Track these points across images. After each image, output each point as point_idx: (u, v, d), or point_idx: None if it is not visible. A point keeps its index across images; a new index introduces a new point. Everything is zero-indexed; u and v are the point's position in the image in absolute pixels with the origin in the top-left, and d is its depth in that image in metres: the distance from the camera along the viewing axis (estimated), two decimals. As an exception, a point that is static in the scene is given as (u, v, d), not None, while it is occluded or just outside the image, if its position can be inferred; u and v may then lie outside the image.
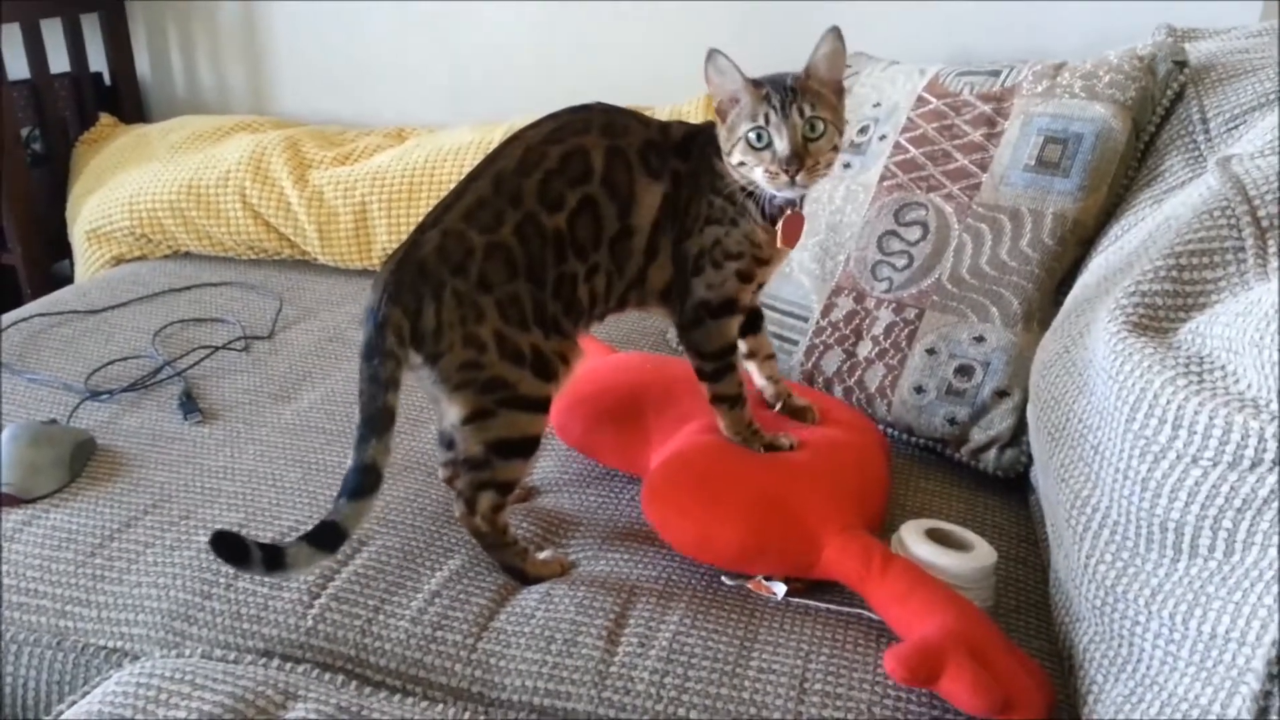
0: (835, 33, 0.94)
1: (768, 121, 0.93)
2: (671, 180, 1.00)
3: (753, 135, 0.93)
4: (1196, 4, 1.60)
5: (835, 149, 0.96)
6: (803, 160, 0.93)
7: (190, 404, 1.35)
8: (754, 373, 1.14)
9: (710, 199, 0.99)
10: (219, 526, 1.05)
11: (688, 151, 1.01)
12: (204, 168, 1.93)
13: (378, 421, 0.90)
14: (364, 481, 0.89)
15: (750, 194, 0.98)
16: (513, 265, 0.94)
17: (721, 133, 0.97)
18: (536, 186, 0.95)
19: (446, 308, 0.92)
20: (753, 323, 1.11)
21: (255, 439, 1.27)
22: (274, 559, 0.86)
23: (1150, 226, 1.00)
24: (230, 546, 0.85)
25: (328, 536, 0.88)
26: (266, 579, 0.99)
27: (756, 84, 0.94)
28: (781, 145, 0.92)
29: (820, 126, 0.94)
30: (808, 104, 0.93)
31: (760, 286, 1.07)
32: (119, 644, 0.97)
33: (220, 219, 1.90)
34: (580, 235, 0.97)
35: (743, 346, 1.10)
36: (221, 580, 1.00)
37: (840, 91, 0.97)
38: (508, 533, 1.01)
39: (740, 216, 0.99)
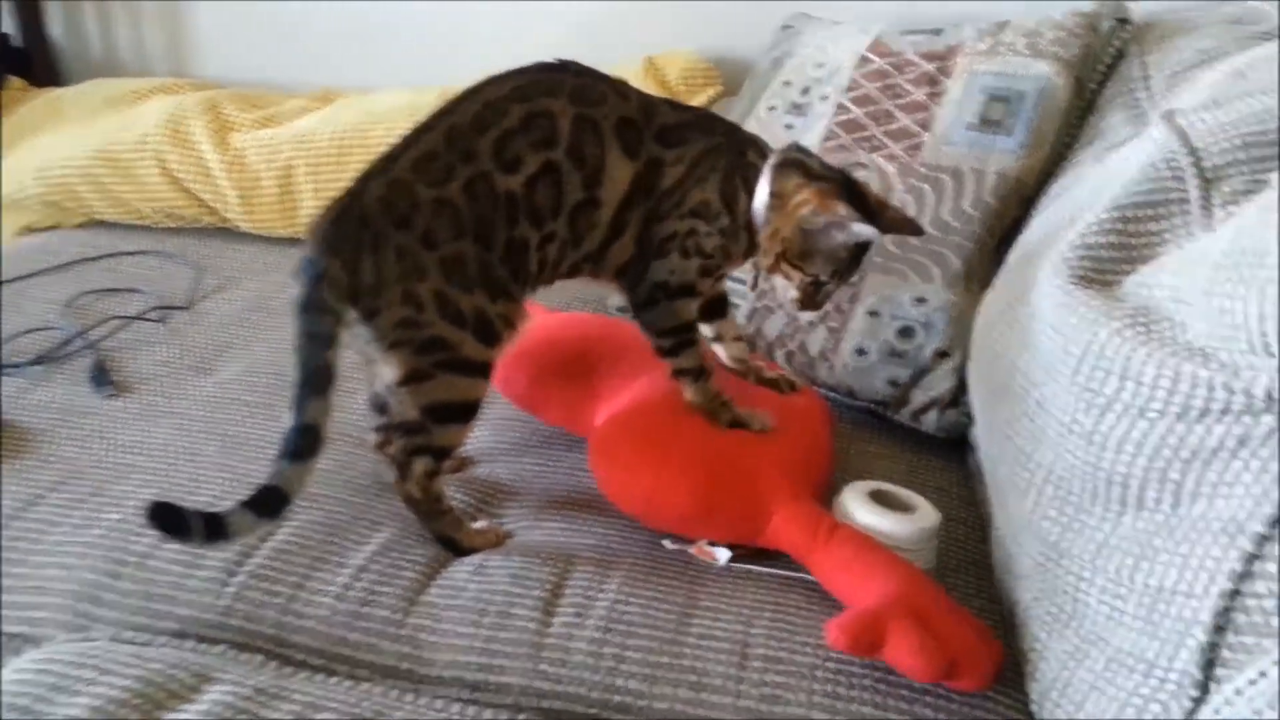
0: None
1: (831, 279, 0.96)
2: (646, 164, 0.95)
3: (821, 276, 0.95)
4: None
5: None
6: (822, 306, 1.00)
7: (103, 377, 1.28)
8: (721, 356, 1.10)
9: (708, 196, 0.96)
10: (134, 502, 1.01)
11: (679, 140, 0.96)
12: (119, 132, 1.83)
13: (317, 379, 0.86)
14: (305, 442, 0.86)
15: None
16: (459, 224, 0.90)
17: (785, 219, 0.94)
18: (492, 144, 0.90)
19: (386, 262, 0.88)
20: (718, 307, 1.08)
21: (172, 412, 1.21)
22: (215, 528, 0.82)
23: (1094, 181, 0.99)
24: (167, 517, 0.81)
25: (270, 501, 0.84)
26: (187, 552, 0.93)
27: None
28: (822, 296, 0.97)
29: None
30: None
31: (722, 277, 1.04)
32: (20, 629, 0.91)
33: (136, 185, 1.80)
34: (539, 201, 0.92)
35: (709, 330, 1.07)
36: (131, 559, 0.94)
37: None
38: (442, 501, 0.97)
39: (727, 231, 0.97)
